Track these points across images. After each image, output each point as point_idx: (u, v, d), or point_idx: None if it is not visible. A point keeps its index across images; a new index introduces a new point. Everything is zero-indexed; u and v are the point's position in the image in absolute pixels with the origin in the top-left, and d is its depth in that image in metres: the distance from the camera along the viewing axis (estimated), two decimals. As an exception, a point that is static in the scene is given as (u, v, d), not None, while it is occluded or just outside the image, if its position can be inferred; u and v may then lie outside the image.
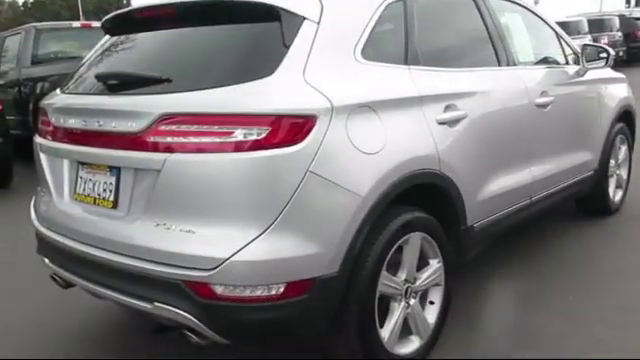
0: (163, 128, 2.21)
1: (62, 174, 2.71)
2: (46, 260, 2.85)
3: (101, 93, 2.55)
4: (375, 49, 2.57)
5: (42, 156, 2.83)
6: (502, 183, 3.18)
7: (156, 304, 2.25)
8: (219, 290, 2.15)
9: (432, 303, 2.80)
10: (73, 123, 2.59)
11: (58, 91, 2.96)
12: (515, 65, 3.44)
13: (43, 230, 2.82)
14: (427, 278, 2.72)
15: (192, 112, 2.18)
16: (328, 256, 2.23)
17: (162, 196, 2.22)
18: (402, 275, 2.59)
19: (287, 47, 2.28)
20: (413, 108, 2.60)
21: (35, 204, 3.01)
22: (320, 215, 2.21)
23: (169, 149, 2.19)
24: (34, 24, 8.70)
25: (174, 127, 2.19)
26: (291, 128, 2.13)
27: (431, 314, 2.78)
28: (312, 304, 2.23)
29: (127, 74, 2.47)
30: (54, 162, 2.77)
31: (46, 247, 2.84)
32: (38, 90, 7.89)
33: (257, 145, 2.10)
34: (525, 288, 3.48)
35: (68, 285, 2.90)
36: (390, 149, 2.41)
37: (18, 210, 6.18)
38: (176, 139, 2.19)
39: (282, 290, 2.16)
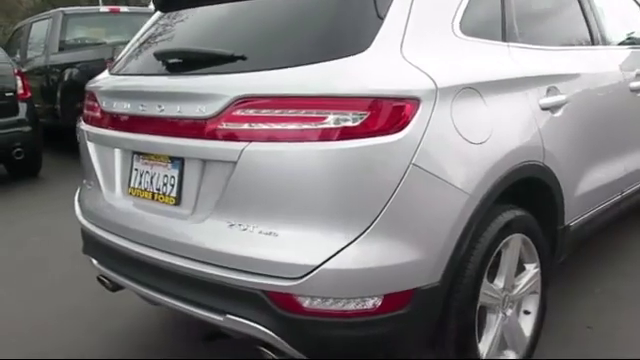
0: (239, 113, 1.90)
1: (113, 165, 2.41)
2: (94, 261, 2.56)
3: (161, 74, 2.22)
4: (473, 23, 2.22)
5: (89, 145, 2.53)
6: (598, 176, 2.84)
7: (228, 316, 1.95)
8: (305, 302, 1.84)
9: (527, 313, 2.47)
10: (127, 108, 2.28)
11: (106, 73, 2.66)
12: (608, 45, 3.08)
13: (91, 228, 2.52)
14: (525, 285, 2.39)
15: (275, 94, 1.86)
16: (430, 263, 1.91)
17: (238, 192, 1.90)
18: (500, 283, 2.26)
19: (381, 18, 1.95)
20: (517, 91, 2.26)
21: (80, 198, 2.72)
22: (423, 216, 1.88)
23: (247, 137, 1.88)
24: (61, 9, 8.42)
25: (252, 111, 1.88)
26: (392, 113, 1.80)
27: (527, 325, 2.45)
28: (410, 320, 1.91)
29: (194, 51, 2.14)
30: (104, 152, 2.46)
31: (94, 247, 2.55)
32: (66, 77, 7.63)
33: (353, 133, 1.78)
34: (615, 289, 3.14)
35: (116, 288, 2.63)
36: (497, 138, 2.07)
37: (48, 200, 6.02)
38: (255, 126, 1.87)
39: (379, 304, 1.84)
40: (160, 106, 2.12)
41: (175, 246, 2.08)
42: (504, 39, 2.36)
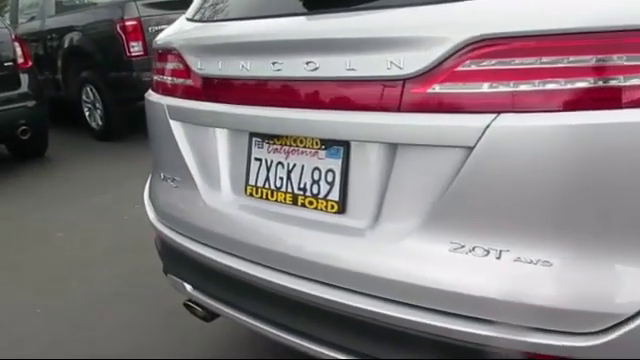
0: (472, 67, 1.16)
1: (215, 153, 1.68)
2: (186, 286, 1.85)
3: (303, 13, 1.46)
4: None
5: (173, 124, 1.77)
6: None
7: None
8: (598, 371, 1.14)
9: None
10: (246, 69, 1.52)
11: (183, 21, 1.89)
12: None
13: (178, 240, 1.80)
14: None
15: (539, 31, 1.12)
16: None
17: (476, 195, 1.18)
18: None
19: None
20: None
21: (154, 197, 1.99)
22: None
23: (491, 106, 1.14)
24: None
25: (495, 62, 1.14)
26: None
27: None
28: None
29: None
30: (198, 134, 1.72)
31: (184, 266, 1.85)
32: (67, 43, 6.75)
33: None
34: None
35: (212, 317, 1.95)
36: None
37: (62, 185, 5.21)
38: (507, 87, 1.13)
39: None
40: (310, 62, 1.37)
41: (343, 276, 1.37)
42: None
